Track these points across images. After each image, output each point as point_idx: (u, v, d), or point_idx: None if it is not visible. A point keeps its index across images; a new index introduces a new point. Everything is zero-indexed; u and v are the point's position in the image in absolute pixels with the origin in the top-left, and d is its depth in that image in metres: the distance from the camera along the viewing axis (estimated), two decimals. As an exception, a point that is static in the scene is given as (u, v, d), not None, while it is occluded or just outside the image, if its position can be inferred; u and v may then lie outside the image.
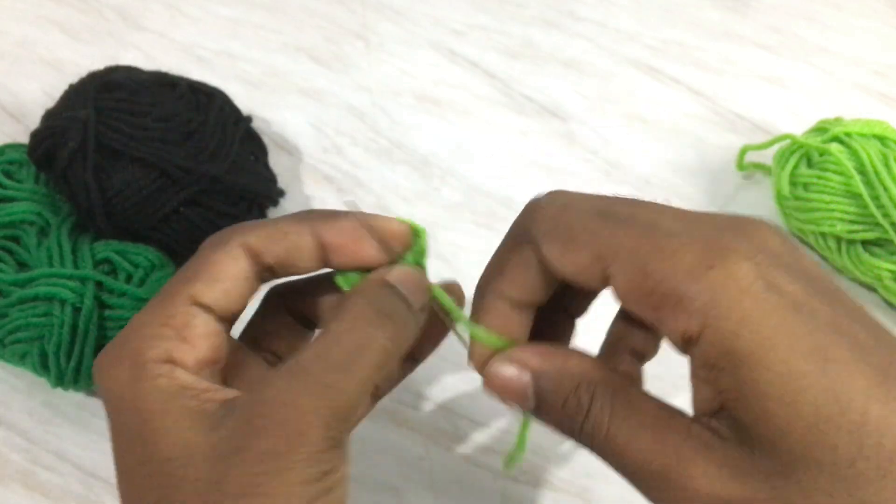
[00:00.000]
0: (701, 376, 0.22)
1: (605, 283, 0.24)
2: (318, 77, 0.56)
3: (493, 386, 0.26)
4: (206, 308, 0.26)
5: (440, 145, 0.53)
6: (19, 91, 0.55)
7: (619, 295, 0.24)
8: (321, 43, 0.58)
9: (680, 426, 0.23)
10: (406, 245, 0.28)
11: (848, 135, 0.46)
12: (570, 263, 0.24)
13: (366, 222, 0.27)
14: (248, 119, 0.48)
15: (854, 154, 0.45)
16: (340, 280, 0.28)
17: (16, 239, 0.42)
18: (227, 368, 0.27)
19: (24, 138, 0.46)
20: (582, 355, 0.26)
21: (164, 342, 0.25)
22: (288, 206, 0.50)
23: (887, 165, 0.44)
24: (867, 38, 0.60)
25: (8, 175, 0.45)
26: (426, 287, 0.27)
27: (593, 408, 0.24)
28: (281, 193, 0.48)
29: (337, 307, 0.26)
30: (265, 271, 0.27)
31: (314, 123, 0.54)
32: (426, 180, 0.52)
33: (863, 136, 0.45)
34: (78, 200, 0.42)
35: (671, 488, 0.22)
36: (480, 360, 0.27)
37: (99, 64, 0.48)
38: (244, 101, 0.50)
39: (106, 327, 0.40)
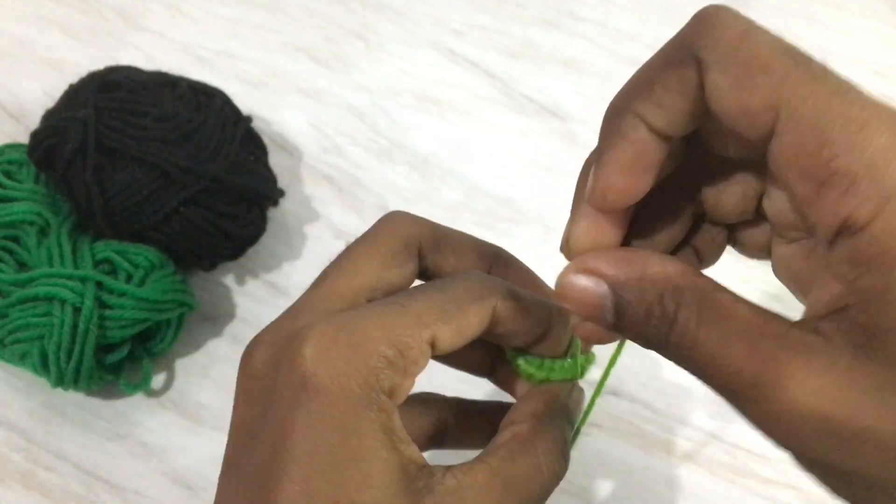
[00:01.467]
0: (839, 271, 0.20)
1: (765, 135, 0.21)
2: (318, 77, 0.56)
3: (569, 300, 0.24)
4: (434, 350, 0.24)
5: (440, 145, 0.53)
6: (19, 91, 0.55)
7: (779, 158, 0.21)
8: (321, 43, 0.58)
9: (776, 330, 0.20)
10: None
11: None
12: (738, 100, 0.21)
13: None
14: (248, 119, 0.48)
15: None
16: (523, 364, 0.27)
17: (16, 239, 0.42)
18: None
19: (24, 138, 0.46)
20: (663, 258, 0.23)
21: (395, 372, 0.22)
22: (288, 206, 0.50)
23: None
24: (867, 38, 0.60)
25: (8, 175, 0.45)
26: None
27: (679, 317, 0.21)
28: (281, 193, 0.48)
29: (537, 429, 0.25)
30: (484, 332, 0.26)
31: (314, 123, 0.54)
32: (426, 180, 0.52)
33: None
34: (78, 200, 0.42)
35: (763, 400, 0.20)
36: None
37: (99, 64, 0.48)
38: (244, 101, 0.50)
39: (106, 327, 0.40)
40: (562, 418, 0.26)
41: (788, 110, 0.20)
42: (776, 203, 0.24)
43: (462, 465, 0.23)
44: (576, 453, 0.42)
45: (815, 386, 0.19)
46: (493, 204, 0.51)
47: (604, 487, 0.41)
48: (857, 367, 0.19)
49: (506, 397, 0.30)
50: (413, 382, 0.24)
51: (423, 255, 0.27)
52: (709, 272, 0.24)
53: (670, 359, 0.22)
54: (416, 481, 0.22)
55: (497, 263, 0.28)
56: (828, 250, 0.20)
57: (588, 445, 0.42)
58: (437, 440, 0.30)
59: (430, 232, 0.27)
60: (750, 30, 0.21)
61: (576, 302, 0.24)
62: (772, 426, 0.20)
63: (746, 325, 0.21)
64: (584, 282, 0.23)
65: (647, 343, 0.23)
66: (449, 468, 0.23)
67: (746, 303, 0.21)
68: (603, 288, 0.23)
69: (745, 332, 0.20)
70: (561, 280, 0.24)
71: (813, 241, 0.23)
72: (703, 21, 0.22)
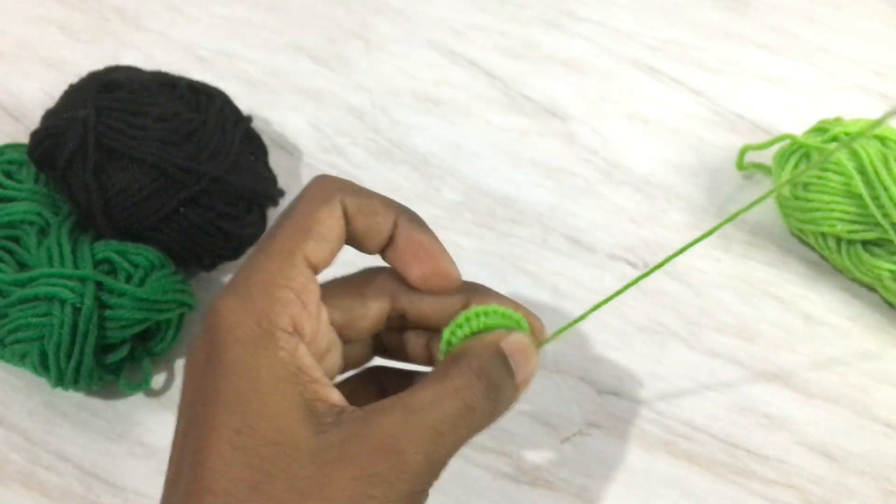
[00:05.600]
0: None
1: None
2: (318, 77, 0.56)
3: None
4: (314, 268, 0.25)
5: (440, 145, 0.53)
6: (19, 91, 0.55)
7: None
8: (321, 43, 0.58)
9: None
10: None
11: (848, 135, 0.46)
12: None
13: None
14: (248, 119, 0.48)
15: (854, 154, 0.45)
16: (444, 346, 0.27)
17: (16, 239, 0.42)
18: (323, 354, 0.27)
19: (24, 138, 0.46)
20: None
21: (290, 307, 0.24)
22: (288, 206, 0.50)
23: (887, 165, 0.44)
24: (867, 38, 0.60)
25: (8, 175, 0.45)
26: (534, 366, 0.27)
27: None
28: (281, 193, 0.48)
29: (450, 362, 0.26)
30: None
31: (314, 123, 0.54)
32: (426, 180, 0.52)
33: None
34: (78, 200, 0.42)
35: None
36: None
37: (99, 64, 0.48)
38: (244, 101, 0.50)
39: (106, 327, 0.40)
40: (486, 355, 0.26)
41: None
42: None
43: None
44: (576, 453, 0.42)
45: None
46: (493, 204, 0.51)
47: (604, 487, 0.41)
48: None
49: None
50: (315, 310, 0.25)
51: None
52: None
53: None
54: (323, 416, 0.23)
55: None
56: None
57: (588, 445, 0.42)
58: None
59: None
60: None
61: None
62: None
63: None
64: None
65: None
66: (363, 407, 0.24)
67: None
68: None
69: None
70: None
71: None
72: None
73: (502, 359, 0.26)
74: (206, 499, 0.22)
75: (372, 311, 0.29)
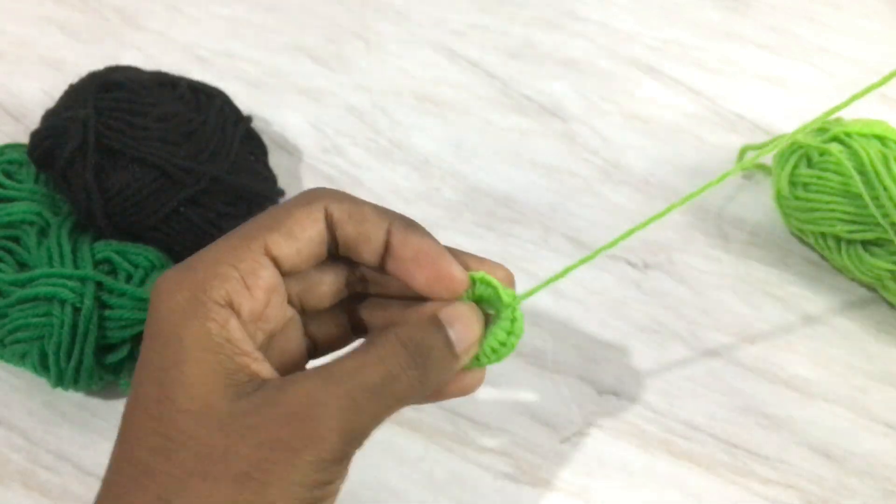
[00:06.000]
0: None
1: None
2: (318, 77, 0.56)
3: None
4: (276, 261, 0.25)
5: (440, 145, 0.53)
6: (19, 91, 0.55)
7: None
8: (321, 43, 0.58)
9: None
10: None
11: (848, 135, 0.46)
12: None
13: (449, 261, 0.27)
14: (248, 119, 0.48)
15: (854, 154, 0.45)
16: None
17: (16, 239, 0.42)
18: (275, 333, 0.27)
19: (24, 138, 0.46)
20: None
21: (228, 283, 0.24)
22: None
23: (887, 165, 0.44)
24: (867, 38, 0.60)
25: (8, 175, 0.45)
26: (477, 333, 0.27)
27: None
28: (281, 193, 0.48)
29: (380, 331, 0.26)
30: (332, 242, 0.27)
31: (314, 123, 0.54)
32: (426, 180, 0.52)
33: (863, 136, 0.45)
34: (78, 200, 0.42)
35: None
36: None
37: (99, 64, 0.48)
38: (244, 101, 0.50)
39: (106, 327, 0.40)
40: (418, 323, 0.26)
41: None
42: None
43: None
44: (576, 453, 0.42)
45: None
46: (493, 204, 0.51)
47: (604, 487, 0.41)
48: None
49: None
50: (263, 296, 0.25)
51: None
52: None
53: None
54: (243, 386, 0.23)
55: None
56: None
57: (588, 445, 0.42)
58: None
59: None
60: None
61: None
62: None
63: None
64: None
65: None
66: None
67: None
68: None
69: None
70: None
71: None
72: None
73: (436, 327, 0.26)
74: (124, 468, 0.23)
75: (328, 275, 0.28)
